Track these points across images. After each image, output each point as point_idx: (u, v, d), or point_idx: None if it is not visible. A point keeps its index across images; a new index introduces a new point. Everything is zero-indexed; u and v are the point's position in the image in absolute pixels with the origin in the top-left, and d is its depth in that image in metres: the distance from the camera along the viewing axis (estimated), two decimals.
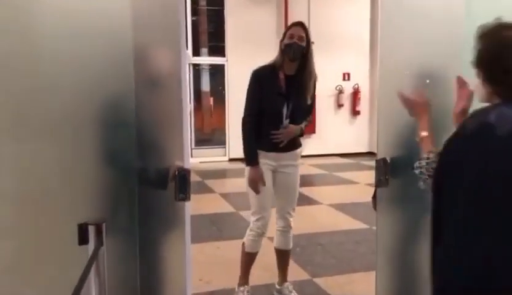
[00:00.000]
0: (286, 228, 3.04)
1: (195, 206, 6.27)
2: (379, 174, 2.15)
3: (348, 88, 10.55)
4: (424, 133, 1.70)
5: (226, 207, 5.88)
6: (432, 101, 2.22)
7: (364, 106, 10.64)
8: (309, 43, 2.89)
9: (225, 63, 9.91)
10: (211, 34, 10.57)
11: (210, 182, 7.40)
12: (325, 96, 10.17)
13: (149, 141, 1.81)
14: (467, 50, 2.26)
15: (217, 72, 10.20)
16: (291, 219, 3.04)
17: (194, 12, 10.31)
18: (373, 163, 2.27)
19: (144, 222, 1.70)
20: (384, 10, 2.29)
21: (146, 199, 1.70)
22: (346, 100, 10.56)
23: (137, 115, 1.79)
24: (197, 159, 9.47)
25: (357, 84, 10.52)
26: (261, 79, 2.91)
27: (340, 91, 10.47)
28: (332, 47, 9.91)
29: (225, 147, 9.86)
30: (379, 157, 2.18)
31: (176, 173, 1.78)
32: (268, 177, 2.92)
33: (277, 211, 3.06)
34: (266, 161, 2.92)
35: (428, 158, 1.57)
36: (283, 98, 2.89)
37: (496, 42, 1.44)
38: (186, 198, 1.79)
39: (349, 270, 3.77)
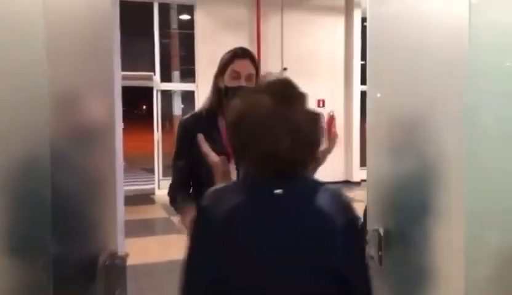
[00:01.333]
0: None
1: (159, 250, 5.75)
2: (369, 251, 1.73)
3: (323, 115, 10.30)
4: None
5: None
6: (422, 144, 1.86)
7: (339, 133, 10.36)
8: (258, 77, 2.06)
9: (195, 90, 9.52)
10: (183, 57, 10.25)
11: (178, 220, 6.89)
12: None
13: (70, 217, 1.36)
14: (468, 90, 1.90)
15: (189, 96, 9.84)
16: None
17: (166, 36, 9.99)
18: (350, 192, 1.83)
19: None
20: (372, 40, 1.95)
21: None
22: None
23: (53, 182, 1.35)
24: (165, 190, 8.94)
25: (332, 111, 10.28)
26: (192, 133, 1.83)
27: None
28: (306, 73, 9.66)
29: None
30: (369, 227, 1.76)
31: (107, 262, 1.34)
32: None
33: None
34: None
35: None
36: (227, 156, 1.88)
37: (241, 107, 1.23)
38: None
39: None
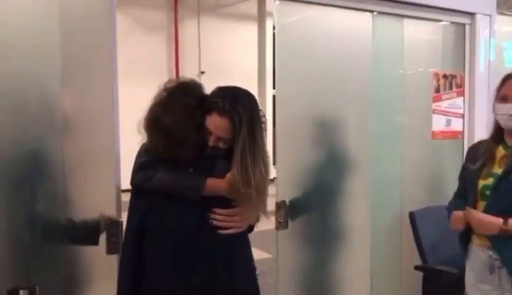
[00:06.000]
0: None
1: None
2: (279, 217, 2.38)
3: None
4: None
5: None
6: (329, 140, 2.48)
7: None
8: (239, 141, 1.59)
9: None
10: None
11: None
12: None
13: (75, 190, 1.82)
14: (374, 93, 2.65)
15: None
16: None
17: None
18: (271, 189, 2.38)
19: (76, 284, 1.73)
20: (279, 47, 2.46)
21: (76, 257, 1.76)
22: None
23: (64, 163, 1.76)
24: None
25: None
26: None
27: None
28: (222, 77, 10.10)
29: None
30: (278, 199, 2.41)
31: (108, 222, 1.84)
32: None
33: None
34: None
35: None
36: None
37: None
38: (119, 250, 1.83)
39: None
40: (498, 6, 3.25)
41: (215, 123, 1.60)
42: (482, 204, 1.91)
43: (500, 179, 1.85)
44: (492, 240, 1.84)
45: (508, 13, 3.69)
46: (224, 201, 1.62)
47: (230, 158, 1.60)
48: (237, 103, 1.59)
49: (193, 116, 1.59)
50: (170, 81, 1.67)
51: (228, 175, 1.60)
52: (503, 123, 1.92)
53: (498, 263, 1.84)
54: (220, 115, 1.59)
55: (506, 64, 3.58)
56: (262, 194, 1.66)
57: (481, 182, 1.92)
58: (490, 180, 1.89)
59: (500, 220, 1.78)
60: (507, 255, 1.81)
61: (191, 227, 1.58)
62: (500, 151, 1.93)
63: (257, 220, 1.74)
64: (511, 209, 1.80)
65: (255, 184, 1.58)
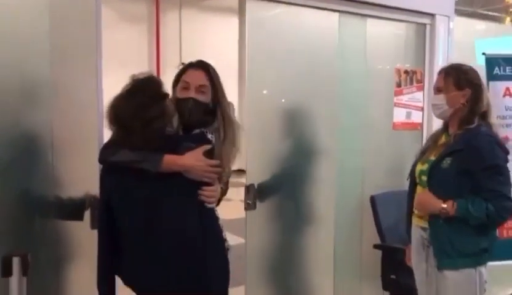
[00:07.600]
0: None
1: None
2: (247, 199, 2.59)
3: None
4: None
5: None
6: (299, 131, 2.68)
7: None
8: (217, 91, 1.92)
9: None
10: None
11: None
12: None
13: (63, 170, 2.01)
14: (339, 87, 2.82)
15: None
16: None
17: None
18: (244, 180, 2.59)
19: (63, 255, 1.93)
20: (251, 43, 2.62)
21: (62, 230, 1.96)
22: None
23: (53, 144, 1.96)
24: None
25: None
26: None
27: None
28: None
29: None
30: (247, 182, 2.61)
31: (93, 199, 2.02)
32: None
33: None
34: None
35: None
36: None
37: None
38: None
39: (235, 283, 4.08)
40: (472, 5, 3.45)
41: (192, 75, 1.88)
42: (419, 188, 2.13)
43: (432, 167, 2.03)
44: (428, 223, 2.05)
45: (481, 11, 3.85)
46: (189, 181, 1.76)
47: (198, 142, 1.80)
48: (205, 61, 1.95)
49: (144, 112, 1.70)
50: (138, 74, 1.80)
51: (188, 154, 1.76)
52: (433, 112, 2.15)
53: (426, 242, 2.08)
54: (195, 69, 1.90)
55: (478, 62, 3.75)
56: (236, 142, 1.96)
57: (419, 167, 2.13)
58: (425, 166, 2.09)
59: (441, 202, 1.97)
60: (432, 238, 2.04)
61: (162, 201, 1.72)
62: (442, 139, 2.14)
63: (224, 193, 1.96)
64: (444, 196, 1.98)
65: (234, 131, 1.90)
